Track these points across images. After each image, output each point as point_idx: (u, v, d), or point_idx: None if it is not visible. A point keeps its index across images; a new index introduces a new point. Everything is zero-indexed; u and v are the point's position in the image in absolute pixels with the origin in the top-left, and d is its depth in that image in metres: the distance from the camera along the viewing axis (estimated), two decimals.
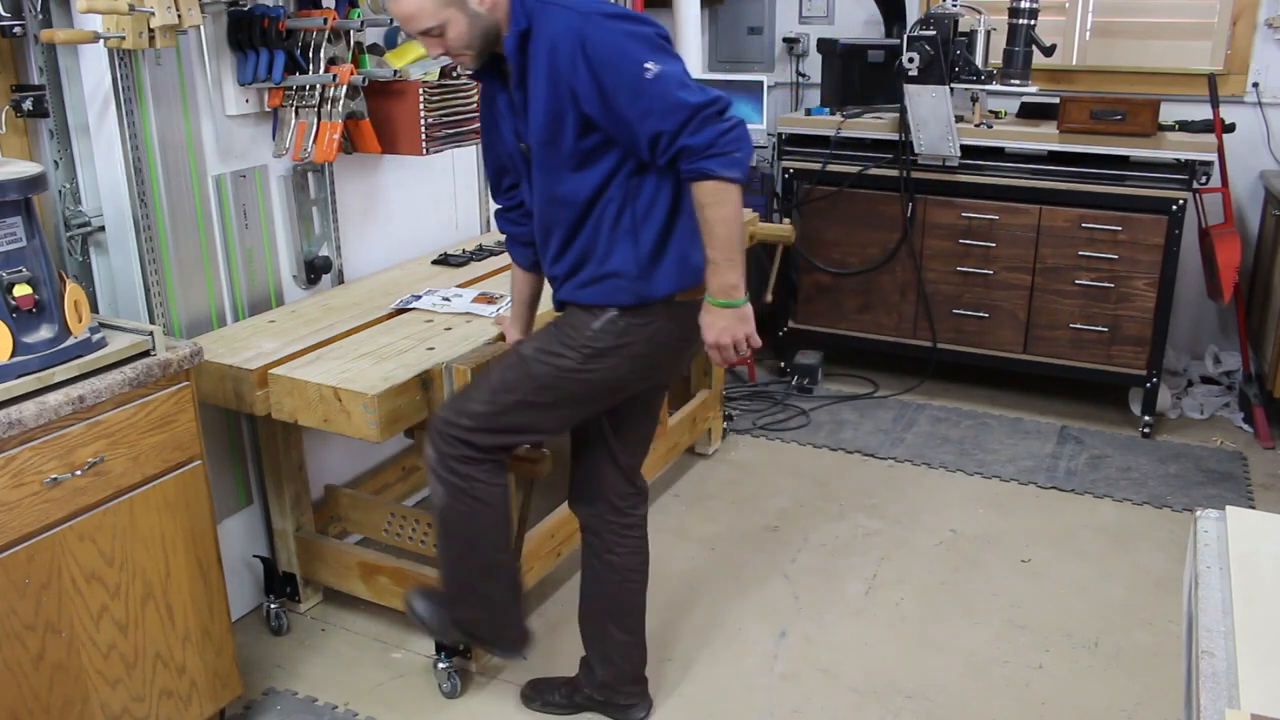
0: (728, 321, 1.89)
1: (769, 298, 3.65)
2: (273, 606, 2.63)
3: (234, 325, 2.51)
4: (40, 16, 2.07)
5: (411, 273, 2.90)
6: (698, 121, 1.75)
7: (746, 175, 1.81)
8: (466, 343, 2.31)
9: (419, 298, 2.61)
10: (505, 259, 2.95)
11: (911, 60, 3.64)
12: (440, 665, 2.39)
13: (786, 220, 3.84)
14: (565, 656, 2.53)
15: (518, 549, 2.36)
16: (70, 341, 1.82)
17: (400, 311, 2.56)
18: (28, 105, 2.14)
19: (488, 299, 2.58)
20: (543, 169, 1.90)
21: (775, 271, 3.54)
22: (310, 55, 2.46)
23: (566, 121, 1.81)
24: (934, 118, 3.71)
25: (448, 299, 2.59)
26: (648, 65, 1.74)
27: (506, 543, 2.13)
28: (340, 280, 2.82)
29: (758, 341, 1.95)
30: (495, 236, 3.23)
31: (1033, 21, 3.63)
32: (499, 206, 2.16)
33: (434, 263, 2.97)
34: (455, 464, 1.97)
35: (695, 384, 3.54)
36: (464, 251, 3.00)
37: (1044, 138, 3.70)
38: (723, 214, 1.79)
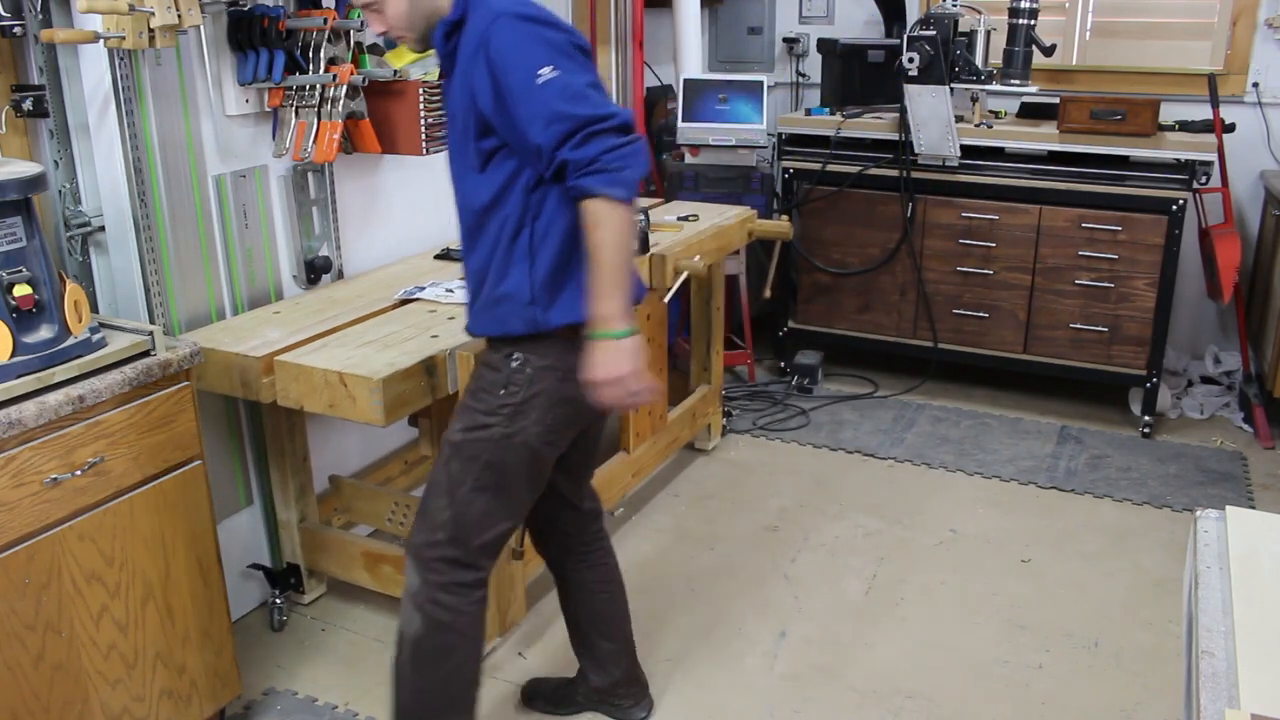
0: (605, 356, 1.68)
1: (767, 294, 3.65)
2: (277, 601, 2.64)
3: (239, 316, 2.52)
4: (40, 16, 2.07)
5: (414, 266, 2.90)
6: (582, 135, 1.62)
7: (633, 195, 1.67)
8: None
9: (423, 289, 2.61)
10: None
11: (911, 60, 3.64)
12: None
13: (784, 217, 3.84)
14: (567, 651, 2.54)
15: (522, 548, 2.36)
16: (70, 341, 1.82)
17: (404, 302, 2.57)
18: (28, 105, 2.14)
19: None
20: (453, 168, 1.82)
21: (774, 268, 3.55)
22: (310, 55, 2.46)
23: (470, 119, 1.73)
24: (934, 118, 3.71)
25: (451, 290, 2.59)
26: (542, 71, 1.62)
27: (478, 677, 1.98)
28: (340, 280, 2.82)
29: (648, 384, 1.72)
30: None
31: (1033, 21, 3.63)
32: None
33: (436, 257, 2.98)
34: (441, 594, 1.86)
35: (695, 378, 3.55)
36: None
37: (1044, 138, 3.70)
38: (602, 236, 1.64)
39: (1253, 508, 1.57)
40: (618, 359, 1.68)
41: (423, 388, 2.16)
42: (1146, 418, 3.74)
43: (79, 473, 1.79)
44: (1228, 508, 1.41)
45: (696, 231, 3.17)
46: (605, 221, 1.64)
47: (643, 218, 2.87)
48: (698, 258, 2.93)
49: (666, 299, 2.95)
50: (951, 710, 2.37)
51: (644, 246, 2.86)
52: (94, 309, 2.16)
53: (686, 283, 2.96)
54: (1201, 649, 1.13)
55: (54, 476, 1.75)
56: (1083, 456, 3.60)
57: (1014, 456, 3.60)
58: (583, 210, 1.66)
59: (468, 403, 1.87)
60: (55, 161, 2.20)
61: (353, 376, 2.09)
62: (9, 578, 1.71)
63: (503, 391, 1.80)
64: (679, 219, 3.31)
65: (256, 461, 2.65)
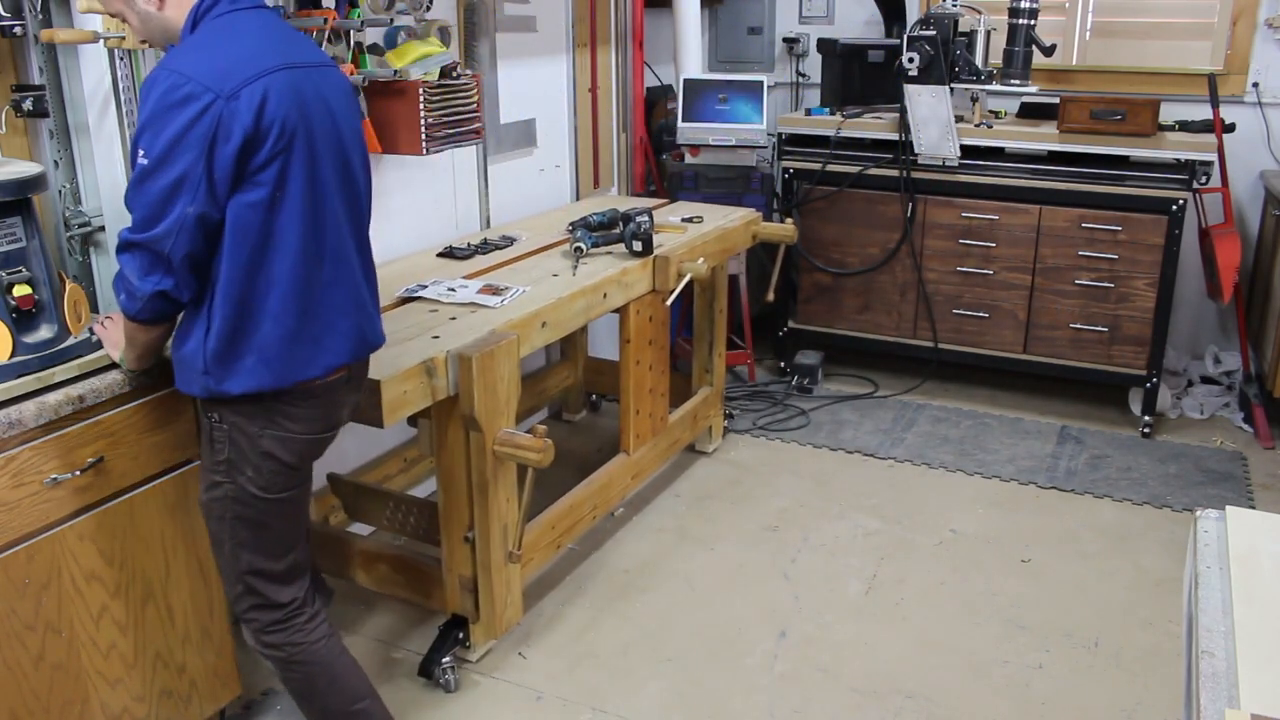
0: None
1: (770, 297, 3.65)
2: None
3: None
4: (40, 16, 2.07)
5: (417, 264, 2.89)
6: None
7: (139, 314, 1.66)
8: (471, 332, 2.31)
9: (424, 287, 2.60)
10: (511, 252, 2.96)
11: (911, 60, 3.64)
12: (442, 660, 2.40)
13: (789, 220, 3.84)
14: (567, 650, 2.54)
15: (520, 543, 2.36)
16: (70, 341, 1.82)
17: (405, 300, 2.56)
18: (28, 105, 2.14)
19: (493, 290, 2.57)
20: None
21: (777, 271, 3.55)
22: None
23: None
24: (934, 118, 3.71)
25: (453, 289, 2.58)
26: (141, 151, 1.56)
27: (359, 690, 1.97)
28: None
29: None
30: (500, 231, 3.23)
31: (1033, 21, 3.63)
32: None
33: (439, 255, 2.96)
34: (265, 637, 1.88)
35: (697, 380, 3.55)
36: (469, 245, 3.00)
37: (1044, 138, 3.70)
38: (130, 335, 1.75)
39: (1253, 508, 1.57)
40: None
41: (423, 389, 2.16)
42: (1146, 418, 3.74)
43: (79, 473, 1.79)
44: (1228, 508, 1.41)
45: (700, 234, 3.16)
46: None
47: (647, 218, 2.86)
48: (701, 260, 2.93)
49: (669, 301, 2.95)
50: (951, 710, 2.37)
51: (647, 248, 2.85)
52: (94, 309, 2.16)
53: (689, 284, 2.95)
54: (1201, 649, 1.13)
55: (54, 476, 1.75)
56: (1083, 456, 3.60)
57: (1014, 456, 3.60)
58: None
59: (201, 462, 1.86)
60: (55, 161, 2.20)
61: None
62: (9, 578, 1.71)
63: (208, 450, 1.80)
64: (683, 220, 3.31)
65: None
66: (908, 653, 2.57)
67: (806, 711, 2.37)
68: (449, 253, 2.97)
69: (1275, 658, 1.11)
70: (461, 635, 2.46)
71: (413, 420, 2.32)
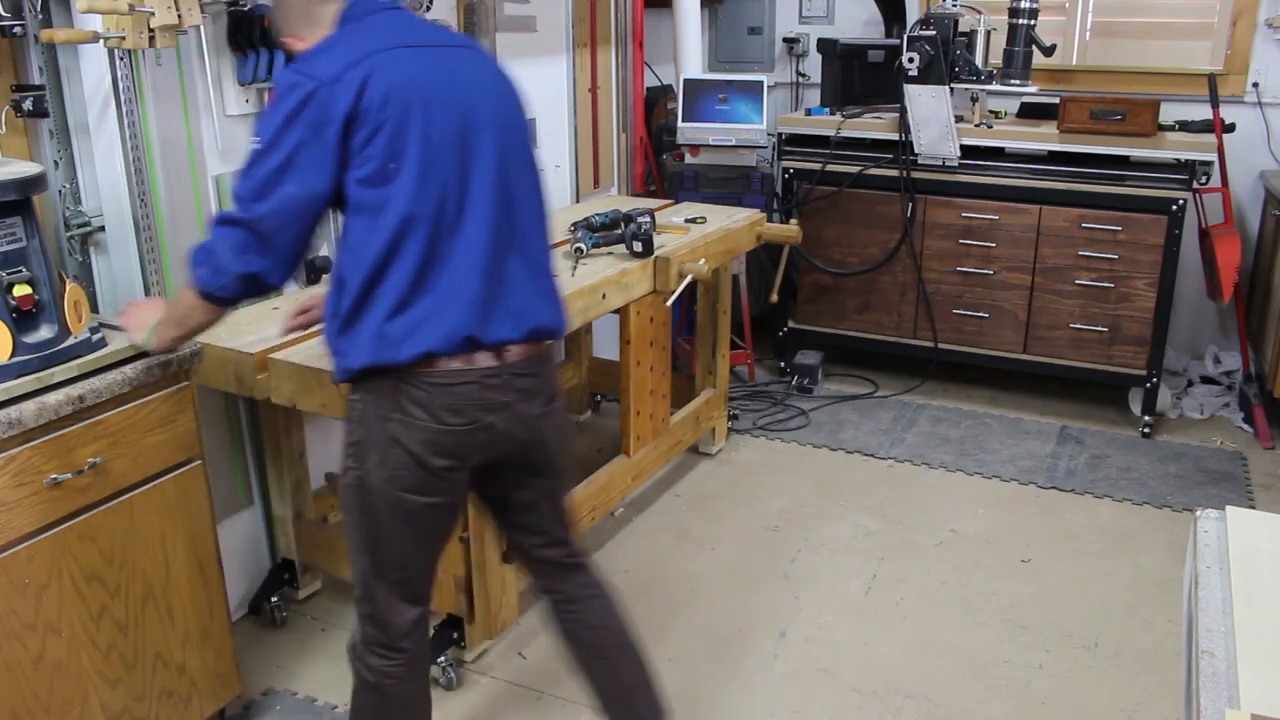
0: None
1: (774, 298, 3.65)
2: (273, 599, 2.65)
3: (237, 311, 2.51)
4: (40, 16, 2.07)
5: None
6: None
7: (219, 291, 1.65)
8: None
9: None
10: None
11: (911, 60, 3.64)
12: (438, 660, 2.40)
13: (793, 221, 3.84)
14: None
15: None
16: (70, 341, 1.82)
17: None
18: (28, 105, 2.14)
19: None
20: None
21: (780, 272, 3.54)
22: None
23: None
24: (934, 118, 3.71)
25: None
26: (255, 138, 1.60)
27: None
28: None
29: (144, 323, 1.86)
30: None
31: (1033, 21, 3.63)
32: None
33: None
34: (366, 653, 1.82)
35: (700, 382, 3.54)
36: None
37: (1044, 138, 3.70)
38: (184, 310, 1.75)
39: (1253, 508, 1.57)
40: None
41: None
42: (1146, 418, 3.74)
43: (79, 473, 1.79)
44: (1228, 508, 1.41)
45: (703, 234, 3.16)
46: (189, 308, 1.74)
47: (648, 219, 2.86)
48: (702, 261, 2.93)
49: (669, 302, 2.95)
50: (951, 710, 2.37)
51: (648, 249, 2.85)
52: (94, 309, 2.16)
53: (691, 285, 2.95)
54: (1201, 649, 1.13)
55: (54, 476, 1.75)
56: (1083, 456, 3.60)
57: (1014, 456, 3.60)
58: None
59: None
60: (55, 161, 2.20)
61: None
62: (9, 578, 1.71)
63: (346, 430, 1.73)
64: (686, 221, 3.30)
65: (257, 462, 2.65)
66: (908, 653, 2.57)
67: (806, 711, 2.37)
68: None
69: (1275, 658, 1.11)
70: (457, 635, 2.46)
71: None
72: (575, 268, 2.76)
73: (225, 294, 1.65)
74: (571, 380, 3.81)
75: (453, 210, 1.64)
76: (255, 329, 2.34)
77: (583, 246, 2.80)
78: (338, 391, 2.05)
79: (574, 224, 2.94)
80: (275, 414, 2.53)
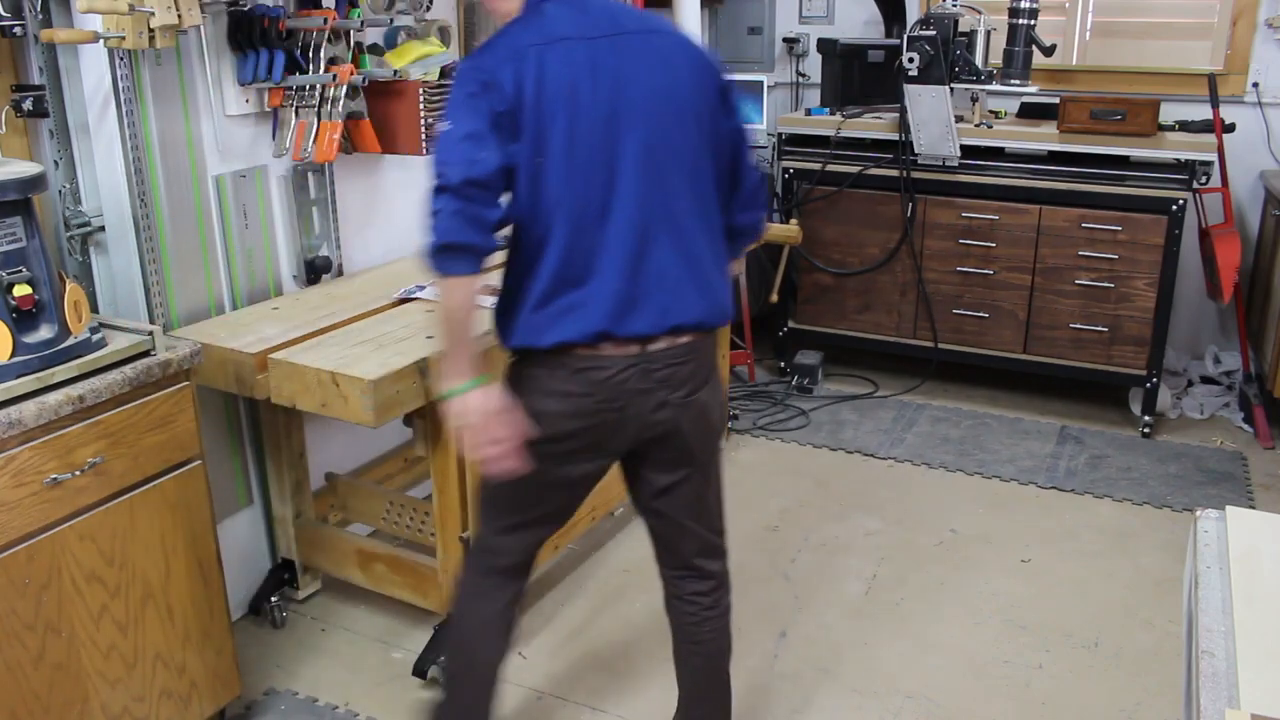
0: (448, 410, 1.74)
1: (774, 298, 3.64)
2: (273, 599, 2.65)
3: (238, 311, 2.52)
4: (40, 16, 2.07)
5: (417, 265, 2.87)
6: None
7: (441, 265, 1.65)
8: None
9: (422, 288, 2.60)
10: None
11: (911, 60, 3.64)
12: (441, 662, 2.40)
13: (793, 221, 3.83)
14: (566, 649, 2.54)
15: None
16: (70, 341, 1.82)
17: (403, 301, 2.57)
18: (28, 105, 2.14)
19: (493, 290, 2.56)
20: None
21: (780, 272, 3.54)
22: (310, 55, 2.46)
23: None
24: (934, 118, 3.71)
25: None
26: (445, 123, 1.65)
27: (483, 674, 1.98)
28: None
29: (481, 443, 1.72)
30: (504, 232, 3.20)
31: (1033, 21, 3.63)
32: None
33: None
34: (462, 569, 2.00)
35: None
36: None
37: (1044, 138, 3.70)
38: (447, 304, 1.70)
39: (1253, 508, 1.57)
40: (453, 416, 1.72)
41: (415, 389, 2.16)
42: (1146, 418, 3.74)
43: (79, 473, 1.79)
44: (1228, 508, 1.41)
45: None
46: (449, 294, 1.69)
47: None
48: None
49: None
50: (951, 710, 2.37)
51: None
52: (94, 309, 2.16)
53: None
54: (1201, 649, 1.13)
55: (54, 476, 1.75)
56: (1083, 456, 3.60)
57: (1014, 456, 3.60)
58: None
59: None
60: (55, 161, 2.20)
61: (345, 376, 2.09)
62: (9, 578, 1.71)
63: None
64: None
65: (256, 461, 2.65)
66: (908, 653, 2.57)
67: (806, 711, 2.37)
68: None
69: (1275, 658, 1.11)
70: None
71: (408, 421, 2.32)
72: None
73: (444, 269, 1.65)
74: None
75: (597, 206, 1.68)
76: (255, 329, 2.34)
77: None
78: (337, 389, 2.05)
79: None
80: (275, 414, 2.53)
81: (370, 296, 2.60)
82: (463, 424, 1.71)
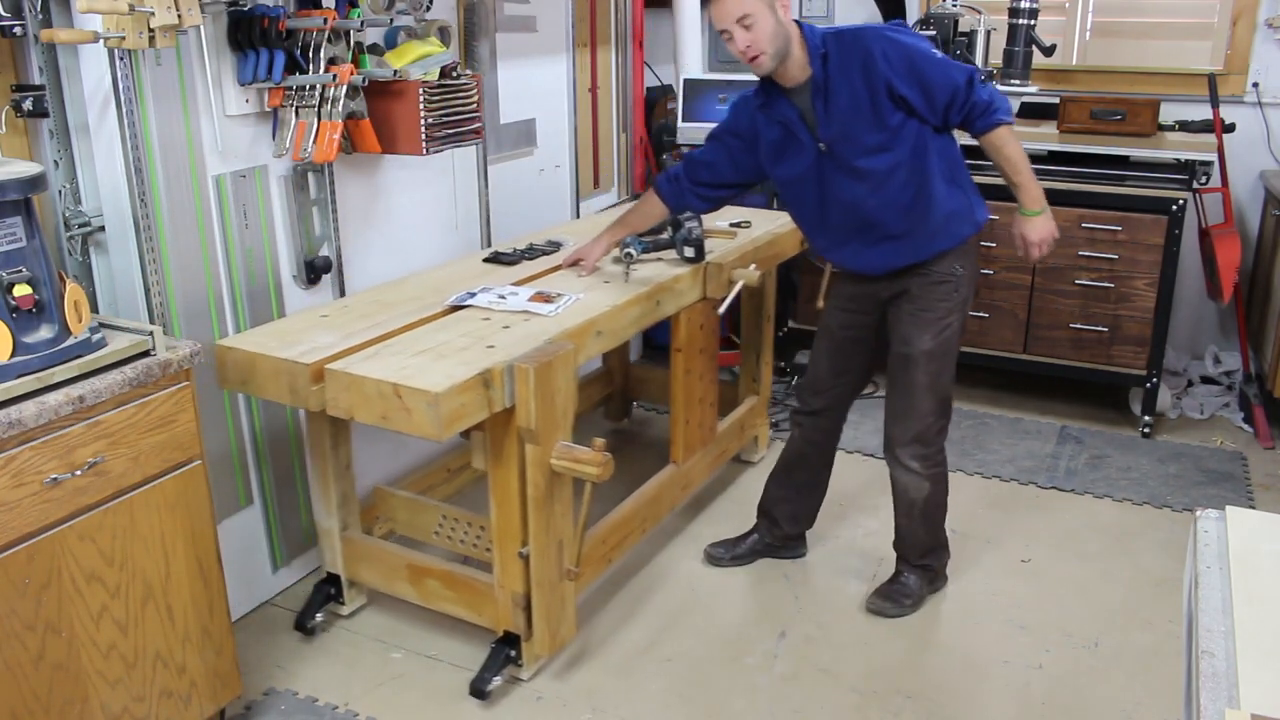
0: (1044, 221, 2.49)
1: (820, 304, 3.59)
2: (318, 616, 2.61)
3: (287, 318, 2.48)
4: (40, 16, 2.07)
5: (463, 270, 2.81)
6: (977, 82, 2.34)
7: (1009, 117, 2.37)
8: (527, 341, 2.24)
9: (474, 295, 2.53)
10: (555, 259, 2.88)
11: None
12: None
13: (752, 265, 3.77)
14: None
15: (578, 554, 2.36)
16: (70, 341, 1.82)
17: (455, 308, 2.49)
18: (28, 105, 2.14)
19: (544, 298, 2.50)
20: (847, 152, 2.38)
21: (826, 279, 3.47)
22: (310, 55, 2.46)
23: (882, 105, 2.31)
24: None
25: (503, 296, 2.51)
26: (933, 52, 2.37)
27: (798, 487, 2.91)
28: (340, 281, 2.82)
29: (1057, 233, 2.53)
30: (545, 235, 3.15)
31: (1033, 21, 3.64)
32: (697, 189, 2.66)
33: (485, 260, 2.90)
34: (938, 456, 2.62)
35: (743, 390, 3.47)
36: (514, 250, 2.95)
37: (1044, 138, 3.70)
38: (1015, 149, 2.39)
39: (1253, 508, 1.57)
40: (1051, 223, 2.51)
41: (479, 401, 2.08)
42: (1146, 418, 3.74)
43: (79, 473, 1.79)
44: (1228, 508, 1.41)
45: (751, 239, 3.09)
46: (1012, 139, 2.39)
47: (697, 223, 2.81)
48: (753, 267, 2.86)
49: (722, 309, 2.87)
50: (951, 710, 2.37)
51: (699, 254, 2.81)
52: (94, 309, 2.16)
53: (740, 292, 2.87)
54: (1201, 649, 1.13)
55: (54, 476, 1.75)
56: (1083, 456, 3.60)
57: (1014, 456, 3.60)
58: (994, 136, 2.37)
59: (910, 320, 2.53)
60: (55, 161, 2.20)
61: (409, 389, 2.01)
62: (9, 578, 1.71)
63: (957, 296, 2.50)
64: (731, 225, 3.21)
65: (256, 462, 2.65)
66: (908, 653, 2.57)
67: (806, 711, 2.37)
68: (495, 258, 2.91)
69: (1275, 658, 1.11)
70: (513, 653, 2.40)
71: (466, 432, 2.24)
72: (628, 273, 2.69)
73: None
74: (608, 388, 3.76)
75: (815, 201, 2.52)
76: (307, 338, 2.28)
77: (633, 251, 2.70)
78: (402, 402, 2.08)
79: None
80: (322, 425, 2.44)
81: (422, 304, 2.51)
82: (1039, 238, 2.51)
